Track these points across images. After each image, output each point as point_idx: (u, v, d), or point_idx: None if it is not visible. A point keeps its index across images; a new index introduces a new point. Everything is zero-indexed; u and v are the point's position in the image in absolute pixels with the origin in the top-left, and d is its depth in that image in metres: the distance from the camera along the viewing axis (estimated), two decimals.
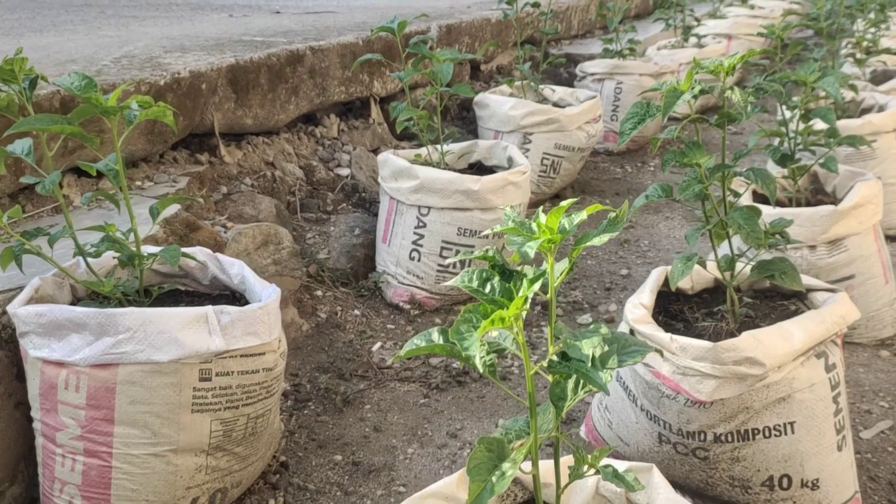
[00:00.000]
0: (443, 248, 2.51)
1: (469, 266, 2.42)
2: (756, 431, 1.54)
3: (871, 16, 4.24)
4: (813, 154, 2.36)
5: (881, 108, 3.07)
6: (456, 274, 2.53)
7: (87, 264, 1.63)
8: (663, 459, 1.64)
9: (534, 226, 0.88)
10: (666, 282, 1.78)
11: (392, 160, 2.59)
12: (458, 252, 2.51)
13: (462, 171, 2.77)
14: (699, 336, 1.70)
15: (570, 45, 5.47)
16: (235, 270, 1.73)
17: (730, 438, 1.55)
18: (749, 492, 1.58)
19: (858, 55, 3.87)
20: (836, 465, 1.57)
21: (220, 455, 1.55)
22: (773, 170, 2.49)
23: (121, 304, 1.59)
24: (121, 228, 1.63)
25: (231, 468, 1.59)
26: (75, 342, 1.45)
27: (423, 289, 2.56)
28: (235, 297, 1.77)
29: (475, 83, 4.49)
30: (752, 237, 1.57)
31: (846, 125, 2.85)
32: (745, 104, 1.49)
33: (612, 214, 0.89)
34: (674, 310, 1.82)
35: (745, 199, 2.23)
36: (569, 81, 4.64)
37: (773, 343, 1.51)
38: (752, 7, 6.50)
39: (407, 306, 2.57)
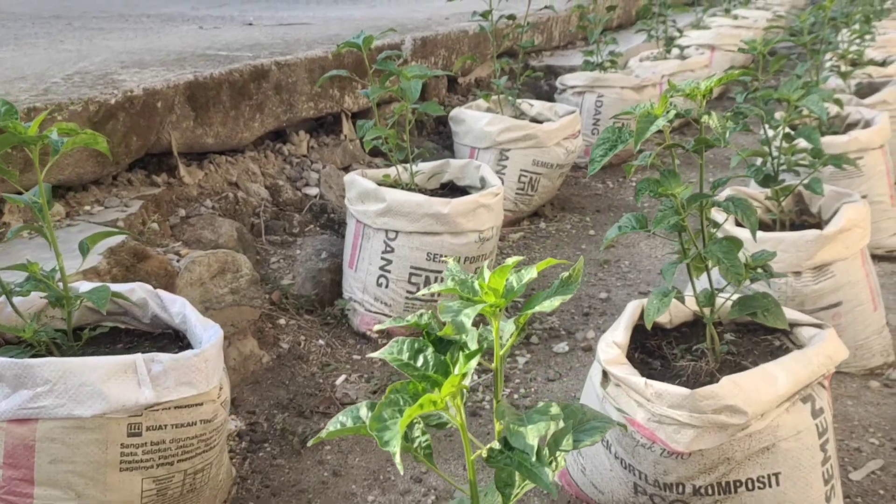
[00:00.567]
0: (412, 275, 2.38)
1: (439, 296, 2.29)
2: (738, 484, 1.42)
3: (856, 27, 4.15)
4: (797, 174, 2.26)
5: (867, 123, 2.96)
6: (426, 301, 2.40)
7: (13, 305, 1.49)
8: None
9: (476, 285, 0.76)
10: (643, 315, 1.66)
11: (359, 181, 2.46)
12: (427, 279, 2.38)
13: (433, 192, 2.65)
14: (677, 377, 1.58)
15: (552, 57, 5.36)
16: (177, 309, 1.59)
17: (710, 491, 1.43)
18: None
19: (843, 68, 3.78)
20: None
21: None
22: (756, 189, 2.38)
23: (47, 350, 1.45)
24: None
25: None
26: None
27: (391, 317, 2.43)
28: (179, 337, 1.64)
29: (453, 96, 4.36)
30: (731, 272, 1.45)
31: (831, 142, 2.75)
32: (723, 130, 1.37)
33: (566, 274, 0.77)
34: (651, 345, 1.71)
35: (728, 225, 2.12)
36: (549, 94, 4.53)
37: (755, 388, 1.39)
38: (736, 17, 6.42)
39: (374, 335, 2.44)
